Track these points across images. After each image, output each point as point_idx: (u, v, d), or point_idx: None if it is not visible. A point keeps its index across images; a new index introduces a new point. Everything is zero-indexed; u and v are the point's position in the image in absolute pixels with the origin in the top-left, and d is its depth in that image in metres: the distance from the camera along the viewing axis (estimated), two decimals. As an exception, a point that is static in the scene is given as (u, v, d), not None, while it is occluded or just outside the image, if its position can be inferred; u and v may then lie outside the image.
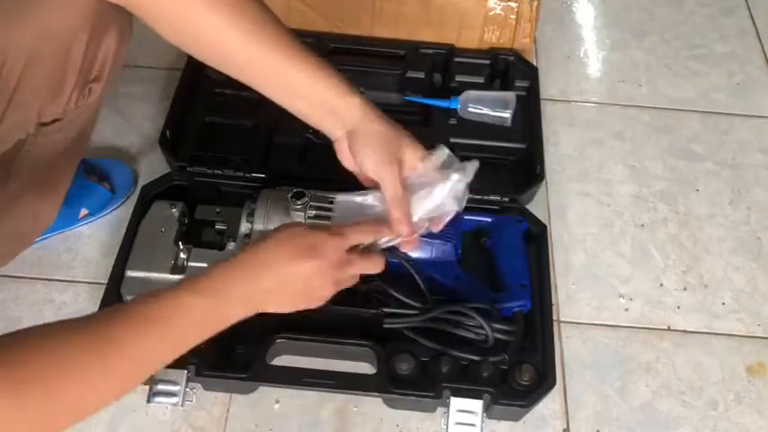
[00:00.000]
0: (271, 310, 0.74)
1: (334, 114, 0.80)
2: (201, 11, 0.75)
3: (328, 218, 0.90)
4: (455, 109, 1.18)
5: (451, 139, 1.15)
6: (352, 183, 0.86)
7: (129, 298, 0.93)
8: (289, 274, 0.73)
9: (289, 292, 0.74)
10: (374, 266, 0.80)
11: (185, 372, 0.88)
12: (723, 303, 1.08)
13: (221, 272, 0.71)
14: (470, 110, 1.17)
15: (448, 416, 0.87)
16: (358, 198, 0.85)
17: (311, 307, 0.77)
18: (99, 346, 0.62)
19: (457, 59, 1.23)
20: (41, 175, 0.93)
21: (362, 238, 0.80)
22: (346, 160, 0.84)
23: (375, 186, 0.83)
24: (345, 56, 1.23)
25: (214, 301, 0.69)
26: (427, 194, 0.82)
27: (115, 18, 0.82)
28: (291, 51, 0.78)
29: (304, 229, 0.76)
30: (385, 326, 0.92)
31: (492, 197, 1.06)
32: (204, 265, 0.94)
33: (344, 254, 0.77)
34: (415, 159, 0.82)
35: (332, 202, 0.90)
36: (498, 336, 0.90)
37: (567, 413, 0.96)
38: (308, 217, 0.95)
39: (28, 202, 0.94)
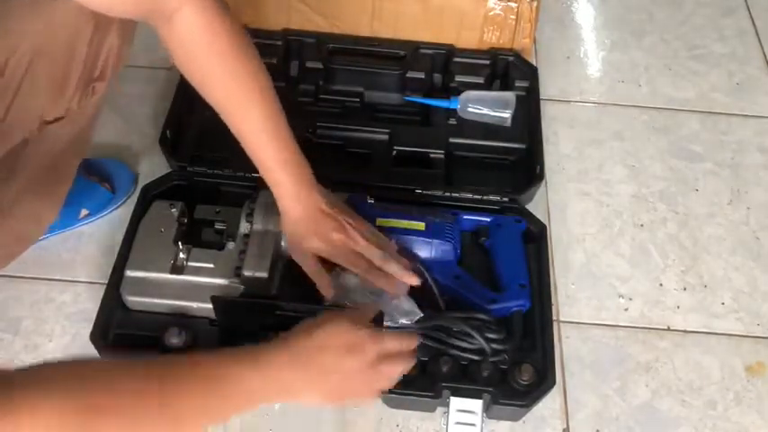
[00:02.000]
0: (305, 400, 0.73)
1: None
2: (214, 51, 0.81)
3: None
4: (455, 109, 1.18)
5: (451, 139, 1.15)
6: (353, 183, 0.87)
7: (129, 298, 0.93)
8: (333, 365, 0.72)
9: (328, 386, 0.73)
10: (405, 366, 0.78)
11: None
12: (722, 303, 1.08)
13: (277, 353, 0.70)
14: (470, 110, 1.18)
15: (448, 416, 0.88)
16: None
17: (341, 404, 0.79)
18: (158, 390, 0.61)
19: (457, 59, 1.23)
20: (43, 175, 0.93)
21: (397, 345, 0.78)
22: None
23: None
24: (345, 56, 1.23)
25: (266, 382, 0.69)
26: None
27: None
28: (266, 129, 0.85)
29: (348, 324, 0.75)
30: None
31: (492, 197, 1.06)
32: (204, 264, 0.94)
33: (381, 354, 0.75)
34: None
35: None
36: (495, 346, 0.90)
37: (566, 413, 0.97)
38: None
39: (29, 202, 0.94)
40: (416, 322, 0.90)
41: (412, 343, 0.79)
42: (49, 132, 0.88)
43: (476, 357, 0.90)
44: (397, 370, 0.77)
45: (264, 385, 0.68)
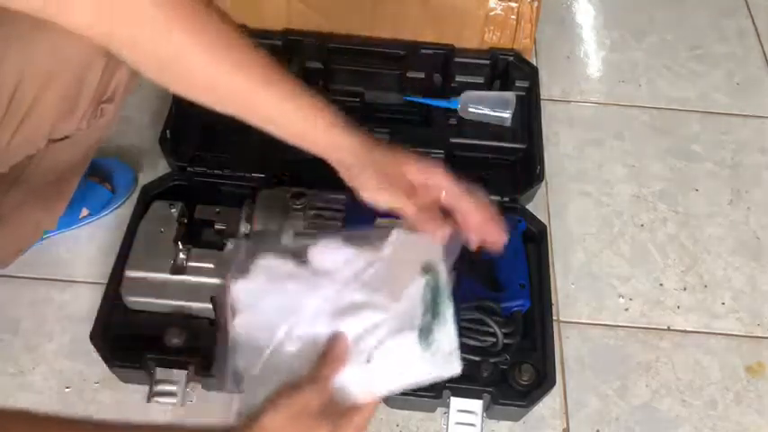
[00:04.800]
0: None
1: (317, 146, 0.73)
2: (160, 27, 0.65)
3: (329, 218, 0.90)
4: (455, 109, 1.18)
5: (451, 139, 1.15)
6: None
7: (129, 298, 0.93)
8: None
9: None
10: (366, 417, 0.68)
11: (185, 372, 0.88)
12: (723, 303, 1.08)
13: None
14: (470, 110, 1.18)
15: (448, 416, 0.88)
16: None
17: None
18: None
19: (457, 60, 1.23)
20: (45, 187, 0.94)
21: (336, 371, 0.67)
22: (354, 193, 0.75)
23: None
24: (345, 56, 1.23)
25: None
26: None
27: None
28: (259, 73, 0.69)
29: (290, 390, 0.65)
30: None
31: (492, 197, 1.06)
32: (204, 264, 0.94)
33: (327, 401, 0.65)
34: (421, 177, 0.73)
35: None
36: (506, 341, 0.90)
37: (566, 413, 0.97)
38: (308, 217, 0.95)
39: (30, 210, 0.95)
40: None
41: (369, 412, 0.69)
42: (55, 149, 0.88)
43: (476, 358, 0.90)
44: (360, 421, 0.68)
45: None
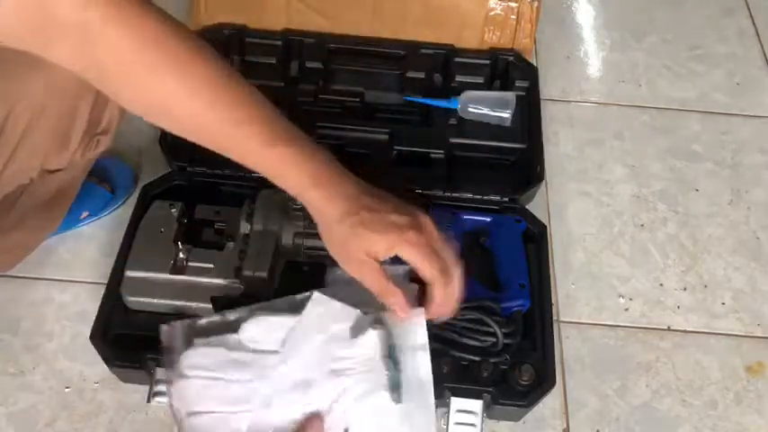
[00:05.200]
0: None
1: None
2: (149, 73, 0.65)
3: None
4: (455, 109, 1.18)
5: (451, 139, 1.15)
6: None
7: (129, 298, 0.93)
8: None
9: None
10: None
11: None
12: (723, 303, 1.08)
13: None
14: (470, 110, 1.18)
15: (448, 416, 0.88)
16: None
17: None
18: None
19: (457, 59, 1.23)
20: (41, 205, 0.94)
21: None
22: None
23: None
24: (345, 56, 1.23)
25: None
26: None
27: None
28: (245, 117, 0.69)
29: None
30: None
31: (492, 197, 1.06)
32: (204, 264, 0.94)
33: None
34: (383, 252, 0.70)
35: None
36: (506, 341, 0.90)
37: (566, 413, 0.97)
38: (308, 217, 0.95)
39: (32, 219, 0.95)
40: None
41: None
42: (50, 178, 0.89)
43: (476, 358, 0.90)
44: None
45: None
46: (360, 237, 0.69)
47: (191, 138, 0.71)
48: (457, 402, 0.88)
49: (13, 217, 0.92)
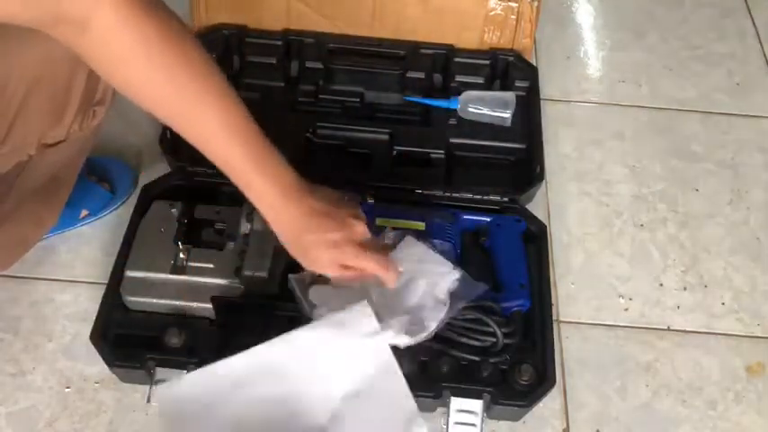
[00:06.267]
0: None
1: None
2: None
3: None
4: (455, 109, 1.18)
5: (451, 139, 1.15)
6: (353, 183, 0.86)
7: (129, 298, 0.93)
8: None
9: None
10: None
11: (185, 372, 0.88)
12: (722, 303, 1.08)
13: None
14: (470, 110, 1.18)
15: (448, 416, 0.88)
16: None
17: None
18: None
19: (457, 59, 1.23)
20: (43, 185, 0.93)
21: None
22: None
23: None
24: (345, 56, 1.23)
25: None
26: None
27: None
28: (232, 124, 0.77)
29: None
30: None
31: (492, 197, 1.06)
32: (204, 264, 0.94)
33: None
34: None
35: None
36: (506, 341, 0.90)
37: (566, 413, 0.97)
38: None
39: (30, 209, 0.95)
40: None
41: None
42: (50, 154, 0.89)
43: (476, 358, 0.90)
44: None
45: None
46: (308, 260, 0.82)
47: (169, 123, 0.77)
48: (457, 402, 0.88)
49: (11, 200, 0.92)
